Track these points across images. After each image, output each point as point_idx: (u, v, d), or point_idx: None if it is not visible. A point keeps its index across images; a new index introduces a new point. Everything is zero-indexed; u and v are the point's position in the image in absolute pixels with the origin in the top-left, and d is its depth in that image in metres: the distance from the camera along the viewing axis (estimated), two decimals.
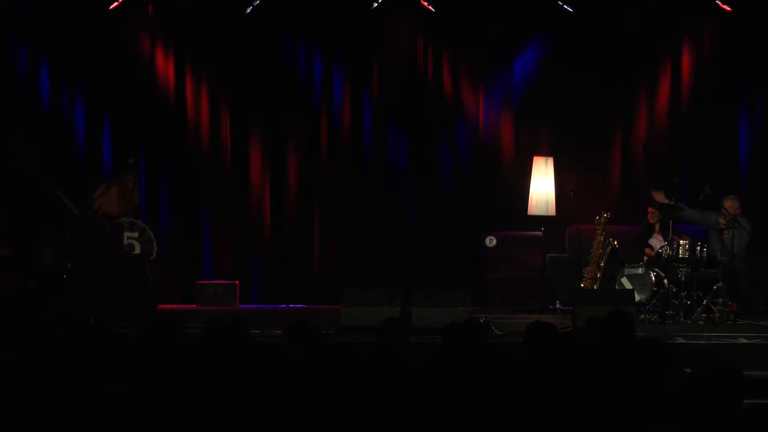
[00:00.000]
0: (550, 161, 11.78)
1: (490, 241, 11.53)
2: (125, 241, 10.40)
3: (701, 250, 10.08)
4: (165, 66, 12.06)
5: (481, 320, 8.11)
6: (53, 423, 4.33)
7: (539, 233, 11.64)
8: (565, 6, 11.68)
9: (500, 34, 11.84)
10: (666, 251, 10.17)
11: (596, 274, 10.59)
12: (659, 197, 10.59)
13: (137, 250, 10.40)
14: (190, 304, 11.66)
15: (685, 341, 8.54)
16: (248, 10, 11.79)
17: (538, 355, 5.45)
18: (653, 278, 10.28)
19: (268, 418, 4.29)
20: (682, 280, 10.00)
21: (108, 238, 10.06)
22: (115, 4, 11.71)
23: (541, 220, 11.73)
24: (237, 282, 11.81)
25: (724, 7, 11.61)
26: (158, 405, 4.39)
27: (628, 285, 10.23)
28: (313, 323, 6.08)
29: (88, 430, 4.32)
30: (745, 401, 4.14)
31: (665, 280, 10.18)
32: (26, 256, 10.09)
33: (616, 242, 10.66)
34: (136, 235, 10.39)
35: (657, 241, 10.70)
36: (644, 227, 10.96)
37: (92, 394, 4.48)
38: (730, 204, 10.50)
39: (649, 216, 10.83)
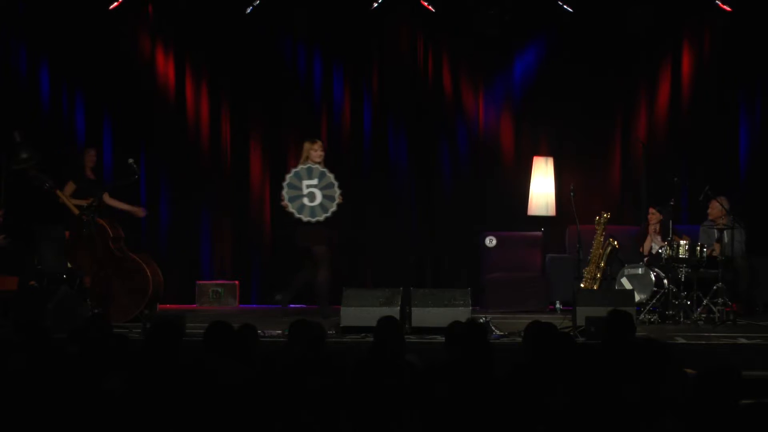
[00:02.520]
0: (550, 161, 11.79)
1: (490, 241, 11.53)
2: (304, 191, 9.99)
3: (701, 250, 10.09)
4: (165, 66, 12.07)
5: (481, 320, 8.10)
6: (53, 422, 4.33)
7: (539, 233, 11.64)
8: (565, 6, 11.68)
9: (500, 34, 11.84)
10: (666, 251, 10.17)
11: (596, 274, 10.59)
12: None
13: (317, 199, 10.05)
14: (190, 304, 11.67)
15: (685, 341, 8.54)
16: (248, 10, 11.79)
17: (537, 354, 5.46)
18: (653, 278, 10.29)
19: (269, 418, 4.29)
20: (682, 280, 10.00)
21: (108, 238, 10.04)
22: (115, 4, 11.71)
23: (541, 220, 11.73)
24: (237, 282, 11.82)
25: (724, 7, 11.61)
26: (158, 405, 4.39)
27: (628, 285, 10.23)
28: (315, 322, 6.10)
29: (88, 429, 4.31)
30: (745, 401, 4.14)
31: (665, 280, 10.18)
32: (26, 256, 10.08)
33: (616, 242, 10.66)
34: (315, 182, 10.04)
35: (656, 242, 10.72)
36: (644, 228, 10.97)
37: (92, 394, 4.48)
38: (725, 204, 10.52)
39: (650, 216, 10.84)
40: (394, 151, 12.16)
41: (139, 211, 10.63)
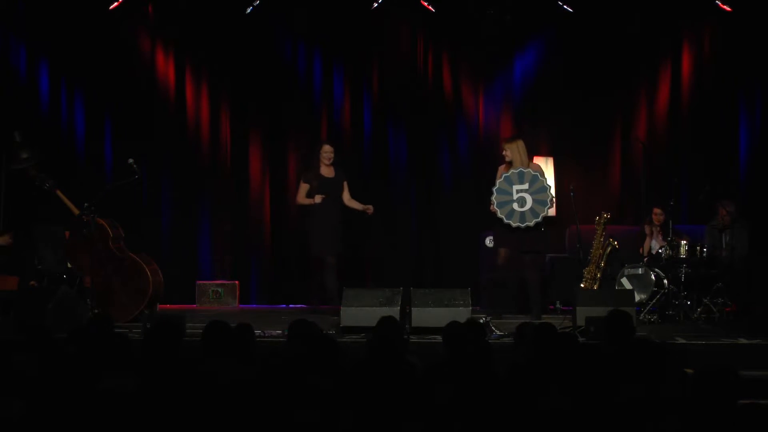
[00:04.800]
0: (550, 161, 11.79)
1: (490, 241, 11.51)
2: (514, 196, 9.68)
3: (701, 250, 10.09)
4: (165, 66, 12.07)
5: (481, 320, 8.11)
6: (54, 422, 4.33)
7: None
8: (565, 6, 11.69)
9: (500, 34, 11.84)
10: (666, 251, 10.17)
11: (596, 274, 10.59)
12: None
13: (528, 204, 9.68)
14: (190, 304, 11.67)
15: (685, 341, 8.54)
16: (248, 10, 11.79)
17: (532, 354, 5.47)
18: (653, 278, 10.29)
19: (269, 418, 4.29)
20: (682, 280, 10.01)
21: (108, 238, 10.04)
22: (115, 4, 11.71)
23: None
24: (237, 282, 11.82)
25: (724, 7, 11.61)
26: (158, 405, 4.39)
27: (628, 285, 10.23)
28: (313, 322, 6.10)
29: (88, 429, 4.31)
30: (744, 401, 4.14)
31: (665, 280, 10.19)
32: (26, 256, 10.08)
33: (616, 242, 10.65)
34: (525, 186, 9.76)
35: (657, 242, 10.71)
36: (643, 228, 10.94)
37: (92, 394, 4.48)
38: (730, 208, 10.51)
39: (655, 217, 10.77)
40: (394, 151, 12.16)
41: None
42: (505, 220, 9.86)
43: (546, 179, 9.93)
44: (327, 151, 10.52)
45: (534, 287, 10.02)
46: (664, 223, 10.65)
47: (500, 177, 9.92)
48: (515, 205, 9.85)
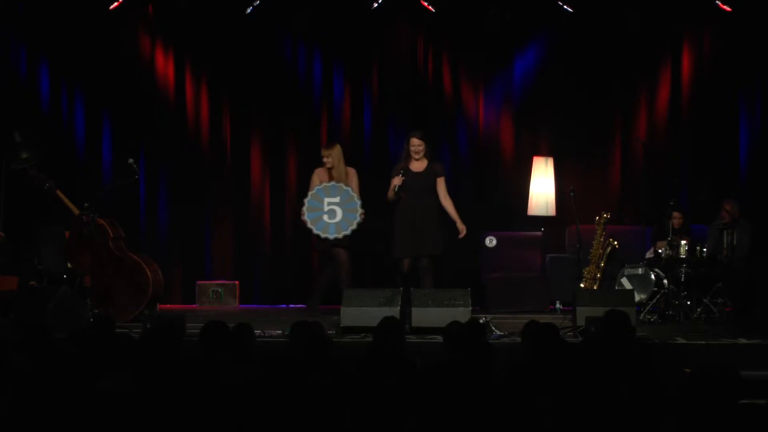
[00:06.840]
0: (550, 161, 11.79)
1: (490, 241, 11.53)
2: (325, 208, 10.02)
3: (701, 250, 10.09)
4: (165, 66, 12.07)
5: (481, 320, 8.11)
6: (54, 422, 4.33)
7: (539, 233, 11.64)
8: (565, 6, 11.69)
9: (500, 33, 11.84)
10: (666, 251, 10.17)
11: (596, 274, 10.60)
12: None
13: (338, 217, 10.12)
14: (190, 304, 11.67)
15: (685, 341, 8.55)
16: (248, 10, 11.79)
17: (536, 355, 5.47)
18: (653, 278, 10.29)
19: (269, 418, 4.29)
20: (682, 280, 10.01)
21: (108, 238, 10.04)
22: (115, 4, 11.71)
23: (541, 220, 11.73)
24: (237, 282, 11.82)
25: (724, 7, 11.60)
26: (158, 405, 4.39)
27: (628, 285, 10.23)
28: (315, 322, 6.10)
29: (88, 430, 4.32)
30: (744, 401, 4.14)
31: (665, 280, 10.19)
32: (26, 256, 10.08)
33: (616, 242, 10.66)
34: (337, 199, 10.12)
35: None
36: (661, 229, 10.81)
37: (92, 394, 4.48)
38: (730, 207, 10.50)
39: (674, 221, 10.61)
40: (394, 151, 12.13)
41: None
42: (315, 231, 10.21)
43: (357, 195, 10.24)
44: (414, 144, 10.03)
45: (343, 280, 10.21)
46: (665, 223, 10.62)
47: (313, 188, 10.23)
48: (326, 217, 10.18)
